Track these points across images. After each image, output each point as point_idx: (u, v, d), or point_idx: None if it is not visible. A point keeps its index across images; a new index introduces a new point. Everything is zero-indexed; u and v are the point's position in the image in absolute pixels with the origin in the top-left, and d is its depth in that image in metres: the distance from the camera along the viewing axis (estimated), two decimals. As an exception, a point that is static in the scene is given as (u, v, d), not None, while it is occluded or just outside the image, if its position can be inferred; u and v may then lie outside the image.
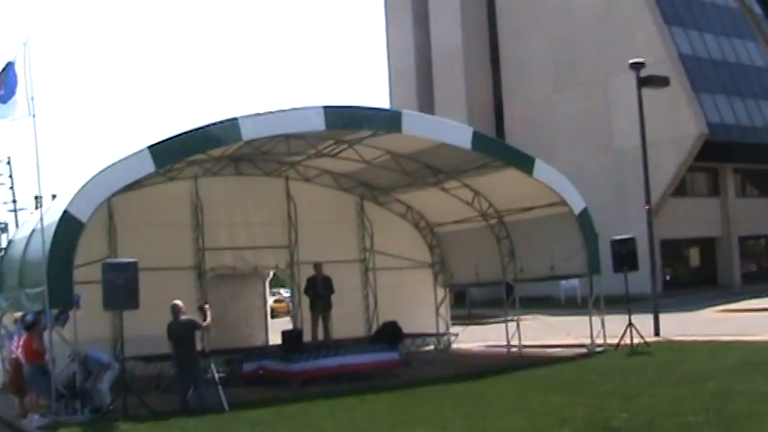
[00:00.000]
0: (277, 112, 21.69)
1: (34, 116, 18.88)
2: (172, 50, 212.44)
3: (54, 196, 29.19)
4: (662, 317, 31.18)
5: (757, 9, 65.96)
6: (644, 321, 28.21)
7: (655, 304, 31.54)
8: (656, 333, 29.91)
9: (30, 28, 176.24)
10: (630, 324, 26.29)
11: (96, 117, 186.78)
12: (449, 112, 65.64)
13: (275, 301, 56.52)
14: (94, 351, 20.02)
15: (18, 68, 18.94)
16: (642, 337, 26.39)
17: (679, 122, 55.84)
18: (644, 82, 33.37)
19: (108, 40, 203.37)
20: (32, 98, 18.76)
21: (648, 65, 34.78)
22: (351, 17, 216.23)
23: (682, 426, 13.25)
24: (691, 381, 18.53)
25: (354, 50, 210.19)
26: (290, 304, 33.65)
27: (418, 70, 77.21)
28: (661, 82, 35.16)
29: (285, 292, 60.99)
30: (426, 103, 73.28)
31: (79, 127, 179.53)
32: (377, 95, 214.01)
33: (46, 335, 19.12)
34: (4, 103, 18.95)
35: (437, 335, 31.57)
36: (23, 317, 20.34)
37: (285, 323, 33.39)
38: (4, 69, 19.15)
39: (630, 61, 33.55)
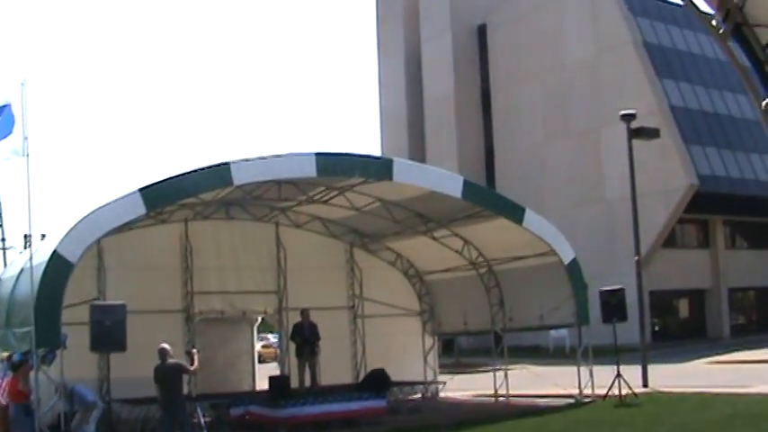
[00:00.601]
0: (269, 157, 21.78)
1: (28, 156, 18.88)
2: (164, 93, 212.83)
3: (43, 236, 29.11)
4: (651, 368, 31.11)
5: (746, 62, 66.26)
6: (633, 372, 28.14)
7: (643, 355, 31.47)
8: (645, 384, 29.81)
9: (20, 67, 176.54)
10: (619, 375, 26.22)
11: (87, 158, 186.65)
12: (440, 159, 65.82)
13: (263, 347, 56.35)
14: (81, 386, 19.97)
15: (15, 109, 18.96)
16: (630, 388, 26.32)
17: (669, 174, 56.02)
18: (635, 133, 33.46)
19: (99, 80, 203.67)
20: (26, 138, 18.78)
21: (639, 116, 34.89)
22: (344, 63, 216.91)
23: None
24: (679, 433, 18.49)
25: (347, 96, 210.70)
26: (278, 350, 33.54)
27: (410, 117, 77.35)
28: (651, 133, 35.25)
29: (273, 338, 60.82)
30: (417, 150, 73.41)
31: (69, 167, 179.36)
32: (368, 141, 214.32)
33: (32, 375, 19.04)
34: (-3, 143, 18.92)
35: (425, 383, 31.43)
36: (10, 357, 20.26)
37: (272, 368, 33.30)
38: (-1, 110, 19.13)
39: (621, 112, 33.68)
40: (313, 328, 26.92)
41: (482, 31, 72.87)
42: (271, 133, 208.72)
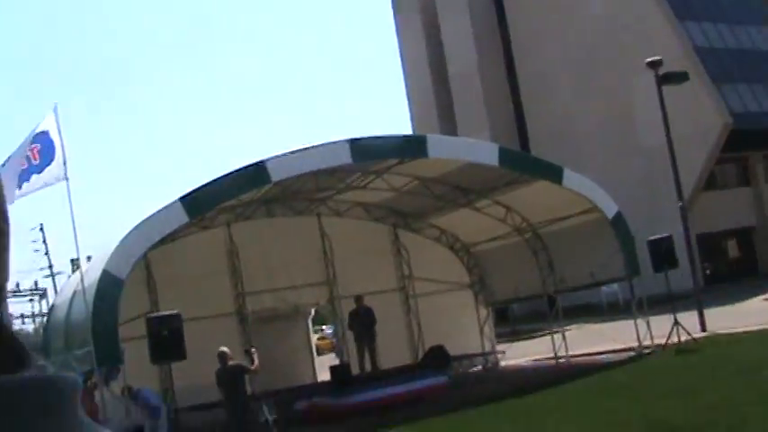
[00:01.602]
0: (303, 150, 21.86)
1: (68, 179, 19.06)
2: (188, 98, 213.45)
3: (89, 258, 29.36)
4: (706, 312, 30.99)
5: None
6: (689, 318, 28.07)
7: (698, 300, 31.33)
8: (703, 329, 29.71)
9: (54, 91, 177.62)
10: (676, 322, 26.16)
11: (123, 174, 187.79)
12: (471, 130, 65.63)
13: (318, 339, 56.51)
14: (147, 390, 20.19)
15: (52, 134, 19.14)
16: (689, 333, 26.26)
17: (703, 116, 55.62)
18: (663, 79, 33.30)
19: (123, 93, 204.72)
20: (65, 162, 18.95)
21: (666, 62, 34.65)
22: (365, 47, 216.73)
23: (742, 418, 13.19)
24: (744, 372, 18.43)
25: (371, 77, 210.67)
26: (334, 340, 33.65)
27: (436, 92, 77.22)
28: (680, 78, 35.07)
29: (327, 329, 60.97)
30: (448, 125, 73.27)
31: (105, 186, 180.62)
32: (398, 123, 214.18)
33: (97, 393, 19.26)
34: (40, 172, 19.08)
35: (484, 354, 31.51)
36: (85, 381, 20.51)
37: (330, 359, 33.44)
38: (35, 139, 19.29)
39: (647, 60, 33.49)
40: (369, 313, 27.04)
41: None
42: (301, 126, 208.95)
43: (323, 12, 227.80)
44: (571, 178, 26.43)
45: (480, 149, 25.69)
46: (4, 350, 0.96)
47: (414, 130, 74.18)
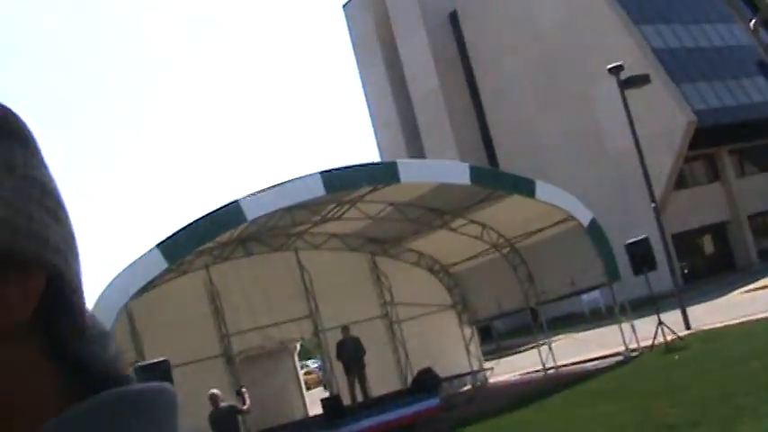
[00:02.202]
0: (275, 186, 21.90)
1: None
2: (151, 147, 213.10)
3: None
4: (689, 309, 31.08)
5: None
6: (672, 318, 28.18)
7: (680, 298, 31.44)
8: (687, 327, 29.80)
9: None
10: (661, 323, 26.27)
11: (98, 225, 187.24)
12: (439, 151, 66.02)
13: (305, 373, 56.44)
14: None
15: None
16: (675, 332, 26.38)
17: (666, 116, 55.93)
18: (625, 84, 33.49)
19: (93, 139, 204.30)
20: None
21: (626, 66, 34.85)
22: (325, 78, 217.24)
23: (736, 409, 13.28)
24: (733, 364, 18.55)
25: (332, 107, 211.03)
26: (320, 374, 33.59)
27: (401, 116, 77.55)
28: (642, 80, 35.19)
29: (313, 364, 60.90)
30: (415, 148, 73.59)
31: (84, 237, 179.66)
32: (364, 151, 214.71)
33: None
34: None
35: (472, 373, 31.57)
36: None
37: (319, 393, 33.40)
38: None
39: (609, 66, 33.71)
40: (356, 343, 27.06)
41: (454, 17, 73.05)
42: (268, 162, 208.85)
43: (278, 49, 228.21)
44: (544, 190, 26.57)
45: (451, 170, 25.81)
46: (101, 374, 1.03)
47: (381, 156, 74.55)
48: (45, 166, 1.02)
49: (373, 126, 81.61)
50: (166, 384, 1.03)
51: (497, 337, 53.03)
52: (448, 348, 31.26)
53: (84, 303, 1.03)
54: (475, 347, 32.68)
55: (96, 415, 0.94)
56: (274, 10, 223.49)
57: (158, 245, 20.33)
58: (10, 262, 0.94)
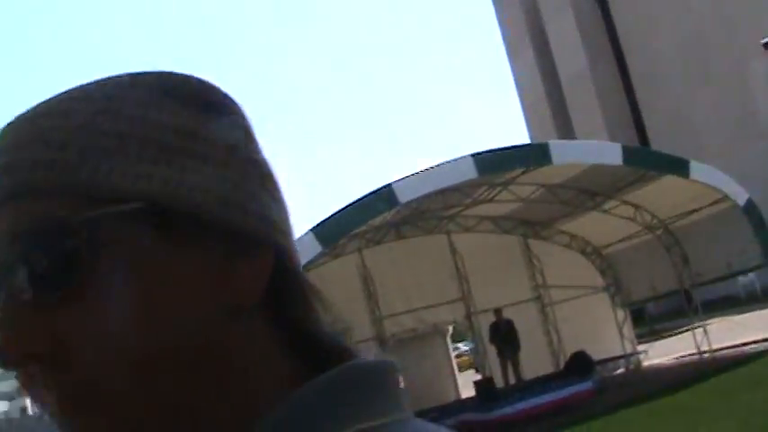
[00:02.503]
0: (427, 170, 21.96)
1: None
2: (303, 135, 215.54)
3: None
4: None
5: None
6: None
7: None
8: None
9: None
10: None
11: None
12: (588, 132, 65.28)
13: (456, 356, 56.52)
14: None
15: None
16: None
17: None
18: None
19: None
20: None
21: (782, 42, 34.12)
22: (472, 59, 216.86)
23: None
24: None
25: (479, 92, 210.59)
26: (471, 356, 33.59)
27: (550, 98, 76.88)
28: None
29: (463, 346, 60.91)
30: (564, 129, 72.94)
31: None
32: (512, 131, 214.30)
33: None
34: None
35: (626, 356, 31.22)
36: None
37: (469, 375, 33.42)
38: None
39: (763, 41, 33.00)
40: (510, 325, 27.08)
41: (602, -4, 72.32)
42: (416, 147, 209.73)
43: (427, 31, 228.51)
44: (698, 170, 26.06)
45: (603, 150, 25.52)
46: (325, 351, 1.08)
47: (531, 138, 74.07)
48: (261, 150, 1.08)
49: (522, 108, 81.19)
50: (390, 358, 1.08)
51: (650, 319, 52.36)
52: (601, 331, 30.98)
53: (306, 280, 1.10)
54: (628, 330, 32.29)
55: (341, 386, 1.00)
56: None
57: (312, 229, 20.58)
58: (242, 242, 1.00)
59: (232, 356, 0.99)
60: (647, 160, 26.49)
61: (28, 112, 1.02)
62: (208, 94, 1.06)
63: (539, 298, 30.96)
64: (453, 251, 29.14)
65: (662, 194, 27.02)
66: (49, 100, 1.03)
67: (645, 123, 69.52)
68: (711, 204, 26.87)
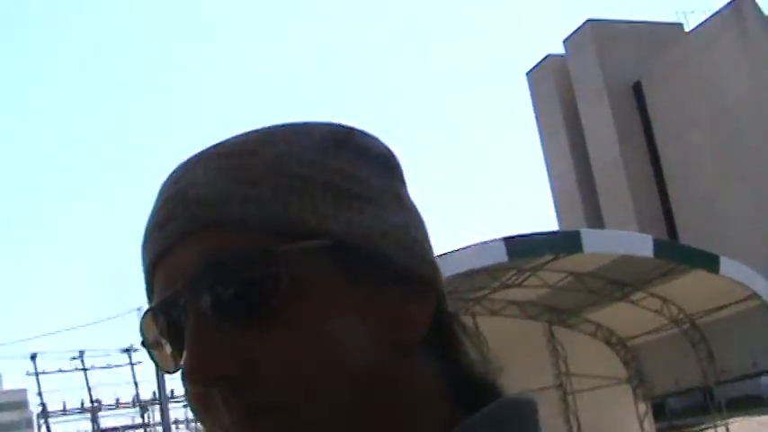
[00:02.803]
0: (458, 250, 21.99)
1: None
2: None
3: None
4: None
5: None
6: None
7: None
8: None
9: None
10: None
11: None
12: (618, 222, 65.16)
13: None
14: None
15: None
16: None
17: None
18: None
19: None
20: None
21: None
22: (505, 140, 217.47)
23: None
24: None
25: (512, 174, 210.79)
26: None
27: (581, 186, 76.81)
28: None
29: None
30: (594, 218, 72.83)
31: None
32: (541, 218, 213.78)
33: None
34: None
35: (646, 450, 30.95)
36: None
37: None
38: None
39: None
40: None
41: (638, 87, 72.42)
42: (442, 227, 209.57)
43: (461, 113, 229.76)
44: (728, 266, 25.98)
45: (634, 241, 25.52)
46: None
47: (559, 224, 74.04)
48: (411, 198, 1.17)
49: (553, 195, 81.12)
50: (529, 393, 1.17)
51: (671, 414, 51.80)
52: (621, 423, 30.75)
53: (460, 320, 1.20)
54: (648, 424, 32.04)
55: (499, 424, 1.07)
56: (458, 73, 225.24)
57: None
58: (415, 285, 1.09)
59: (402, 393, 1.06)
60: (678, 254, 26.47)
61: (207, 151, 1.11)
62: (375, 147, 1.16)
63: (561, 385, 30.73)
64: (478, 334, 28.96)
65: (690, 289, 26.92)
66: (224, 142, 1.12)
67: (674, 216, 69.40)
68: (739, 301, 26.74)
